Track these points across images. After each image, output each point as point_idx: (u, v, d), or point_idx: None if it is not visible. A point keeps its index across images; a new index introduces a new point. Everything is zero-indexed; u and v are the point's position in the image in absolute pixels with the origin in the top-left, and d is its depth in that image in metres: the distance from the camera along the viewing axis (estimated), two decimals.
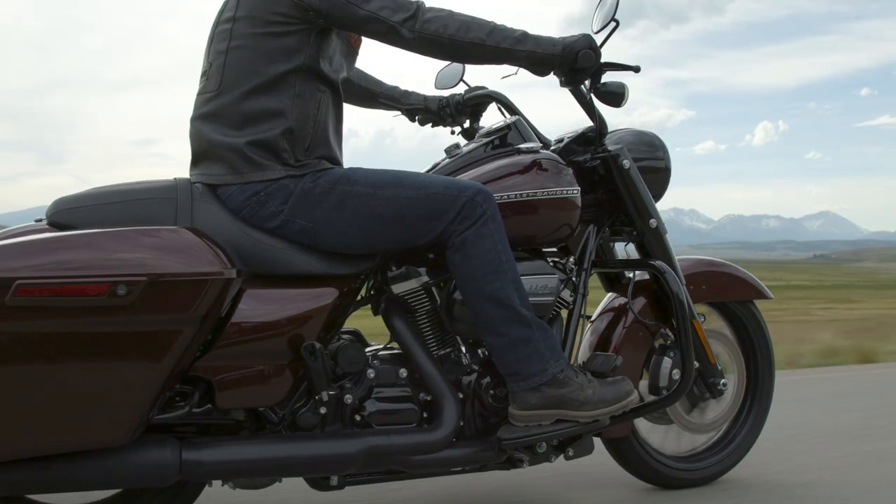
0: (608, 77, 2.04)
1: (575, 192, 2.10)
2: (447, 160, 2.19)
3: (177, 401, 1.77)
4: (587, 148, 2.25)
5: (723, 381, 2.33)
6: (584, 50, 1.91)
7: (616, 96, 2.02)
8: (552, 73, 1.96)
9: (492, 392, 2.01)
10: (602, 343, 2.31)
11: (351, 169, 1.92)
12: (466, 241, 1.87)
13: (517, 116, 2.26)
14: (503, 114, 2.37)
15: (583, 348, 2.34)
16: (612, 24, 1.98)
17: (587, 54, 1.91)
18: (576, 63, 1.91)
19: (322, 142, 1.90)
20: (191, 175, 1.90)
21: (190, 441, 1.73)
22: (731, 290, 2.49)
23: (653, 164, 2.34)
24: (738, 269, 2.53)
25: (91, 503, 1.85)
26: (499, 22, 1.87)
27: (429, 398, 1.96)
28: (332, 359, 1.91)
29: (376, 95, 2.44)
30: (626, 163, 2.19)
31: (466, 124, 2.51)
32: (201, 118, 1.88)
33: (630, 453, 2.34)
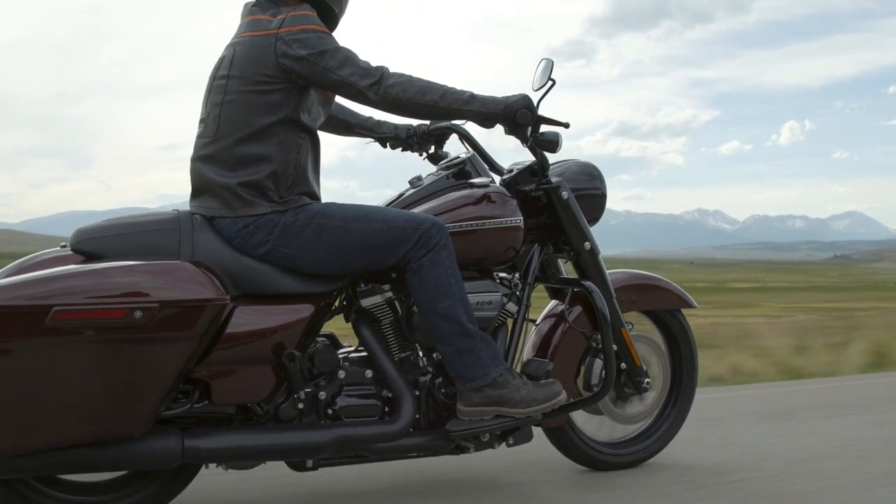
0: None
1: (518, 220, 2.46)
2: (411, 190, 2.55)
3: (180, 398, 2.14)
4: (533, 179, 2.61)
5: (647, 379, 2.71)
6: (522, 110, 2.26)
7: (552, 143, 2.39)
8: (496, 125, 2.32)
9: (443, 391, 2.38)
10: (543, 344, 2.69)
11: (326, 204, 2.27)
12: (422, 267, 2.24)
13: (472, 152, 2.61)
14: (464, 144, 2.72)
15: (527, 347, 2.72)
16: (550, 83, 2.33)
17: (524, 114, 2.27)
18: (515, 120, 2.27)
19: (302, 180, 2.25)
20: (191, 206, 2.25)
21: (190, 431, 2.10)
22: (658, 300, 2.87)
23: (591, 192, 2.71)
24: (667, 282, 2.91)
25: (101, 481, 2.20)
26: (449, 85, 2.22)
27: (390, 395, 2.34)
28: (310, 360, 2.28)
29: (352, 126, 2.78)
30: (565, 194, 2.55)
31: (432, 150, 2.86)
32: (200, 159, 2.23)
33: (565, 440, 2.73)
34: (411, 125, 2.83)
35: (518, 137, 2.38)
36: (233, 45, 2.25)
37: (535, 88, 2.36)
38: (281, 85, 2.18)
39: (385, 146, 2.88)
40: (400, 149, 2.88)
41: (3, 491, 2.04)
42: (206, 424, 2.19)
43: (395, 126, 2.84)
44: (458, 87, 2.23)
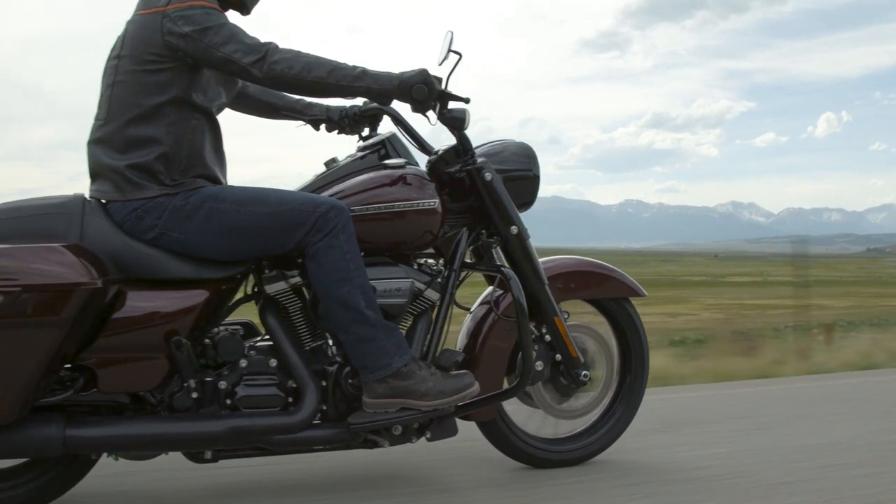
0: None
1: (434, 203, 2.33)
2: (326, 172, 2.45)
3: (66, 384, 2.09)
4: (459, 159, 2.48)
5: (584, 372, 2.55)
6: (418, 84, 2.14)
7: (458, 121, 2.27)
8: (396, 101, 2.20)
9: (350, 381, 2.28)
10: (475, 333, 2.56)
11: (220, 187, 2.19)
12: (319, 251, 2.14)
13: (391, 132, 2.49)
14: (397, 127, 2.60)
15: (461, 335, 2.59)
16: (456, 56, 2.20)
17: (420, 88, 2.14)
18: (411, 95, 2.15)
19: (198, 163, 2.18)
20: (89, 190, 2.20)
21: (74, 419, 2.05)
22: (601, 289, 2.70)
23: (524, 173, 2.56)
24: (614, 270, 2.74)
25: None
26: (341, 61, 2.11)
27: (294, 386, 2.25)
28: (214, 348, 2.21)
29: (279, 108, 2.69)
30: (488, 175, 2.42)
31: (366, 132, 2.75)
32: (94, 142, 2.18)
33: (498, 435, 2.59)
34: (344, 106, 2.73)
35: (423, 115, 2.26)
36: (127, 25, 2.19)
37: (440, 63, 2.24)
38: (169, 63, 2.11)
39: (318, 129, 2.78)
40: (335, 132, 2.78)
41: None
42: (100, 412, 2.13)
43: (328, 108, 2.74)
44: (351, 63, 2.13)
